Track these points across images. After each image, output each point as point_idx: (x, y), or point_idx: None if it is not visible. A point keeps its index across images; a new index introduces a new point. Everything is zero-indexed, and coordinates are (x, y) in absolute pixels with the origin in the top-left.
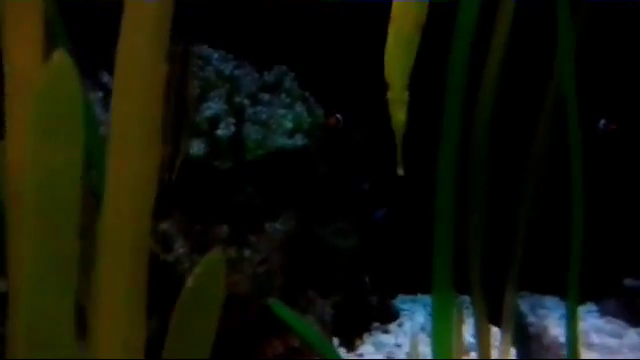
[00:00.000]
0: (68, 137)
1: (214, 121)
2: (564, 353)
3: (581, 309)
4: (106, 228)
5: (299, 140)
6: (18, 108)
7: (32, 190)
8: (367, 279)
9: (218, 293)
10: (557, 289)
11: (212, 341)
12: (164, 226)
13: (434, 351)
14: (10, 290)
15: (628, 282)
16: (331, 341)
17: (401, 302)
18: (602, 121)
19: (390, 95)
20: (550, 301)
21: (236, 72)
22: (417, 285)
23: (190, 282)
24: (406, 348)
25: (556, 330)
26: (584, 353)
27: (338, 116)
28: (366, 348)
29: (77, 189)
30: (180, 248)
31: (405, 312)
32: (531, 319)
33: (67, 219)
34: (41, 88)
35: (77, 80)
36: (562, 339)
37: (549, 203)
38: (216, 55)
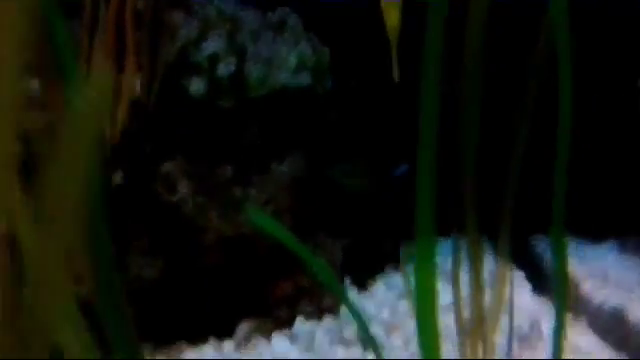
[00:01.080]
0: None
1: (214, 59)
2: (580, 290)
3: (603, 246)
4: None
5: (304, 78)
6: None
7: None
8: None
9: (101, 118)
10: (577, 231)
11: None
12: (167, 167)
13: (417, 292)
14: None
15: None
16: (342, 281)
17: None
18: None
19: None
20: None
21: (238, 12)
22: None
23: (77, 106)
24: None
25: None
26: (600, 287)
27: None
28: (377, 287)
29: None
30: (184, 189)
31: None
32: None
33: None
34: None
35: None
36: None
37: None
38: None
